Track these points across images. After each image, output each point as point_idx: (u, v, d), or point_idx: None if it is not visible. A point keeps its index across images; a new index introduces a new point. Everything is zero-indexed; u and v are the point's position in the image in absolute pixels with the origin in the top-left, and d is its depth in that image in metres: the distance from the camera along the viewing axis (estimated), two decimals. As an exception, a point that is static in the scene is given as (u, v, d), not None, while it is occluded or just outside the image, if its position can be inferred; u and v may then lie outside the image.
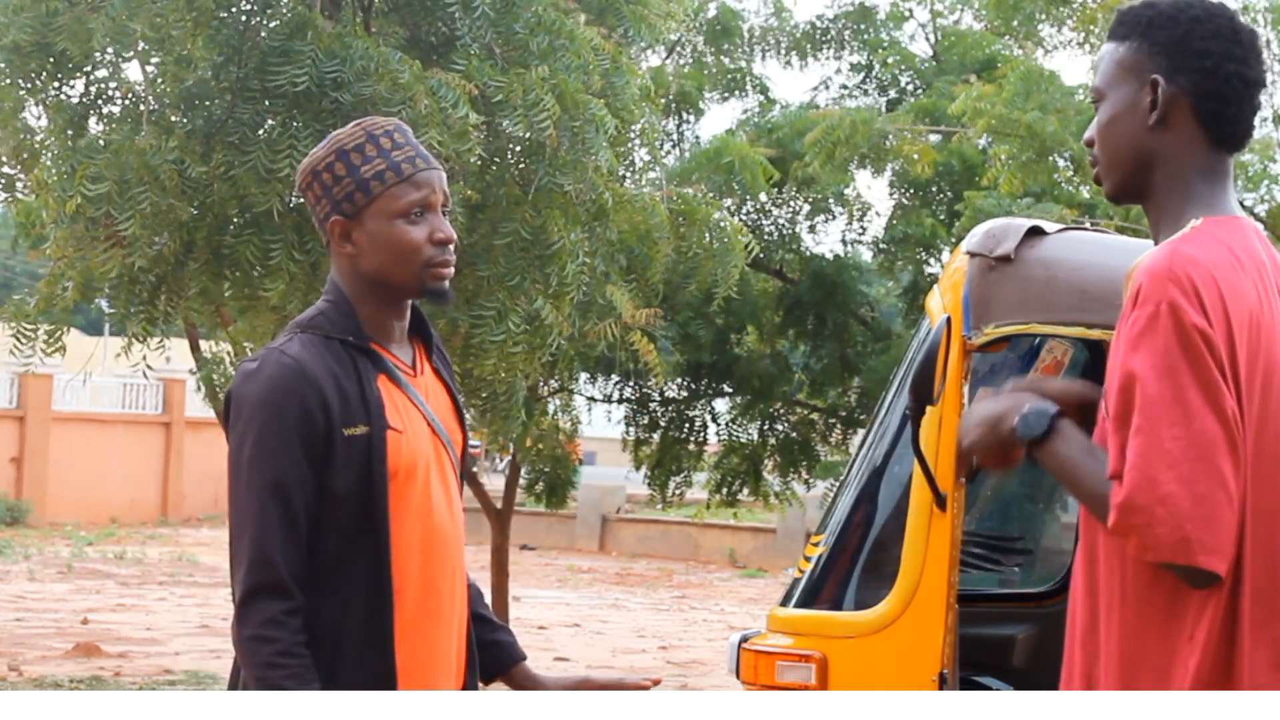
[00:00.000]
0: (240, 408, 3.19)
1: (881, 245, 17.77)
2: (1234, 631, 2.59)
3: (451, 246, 3.30)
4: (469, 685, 3.40)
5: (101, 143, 9.36)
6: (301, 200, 9.41)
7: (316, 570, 3.17)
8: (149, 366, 10.46)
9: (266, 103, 9.40)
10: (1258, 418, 2.62)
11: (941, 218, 16.89)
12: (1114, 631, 2.63)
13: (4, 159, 10.39)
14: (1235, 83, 2.73)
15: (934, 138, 16.54)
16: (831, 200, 17.24)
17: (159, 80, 9.73)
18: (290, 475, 3.13)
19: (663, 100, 14.86)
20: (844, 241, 18.00)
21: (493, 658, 3.50)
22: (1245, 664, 2.59)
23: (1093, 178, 2.89)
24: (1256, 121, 2.86)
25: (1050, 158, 13.82)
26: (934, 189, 17.23)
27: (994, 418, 2.74)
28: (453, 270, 3.33)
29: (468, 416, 3.57)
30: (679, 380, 16.94)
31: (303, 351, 3.20)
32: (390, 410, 3.24)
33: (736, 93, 18.07)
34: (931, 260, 17.48)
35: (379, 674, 3.20)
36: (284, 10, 9.58)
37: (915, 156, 15.38)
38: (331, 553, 3.18)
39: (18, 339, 10.04)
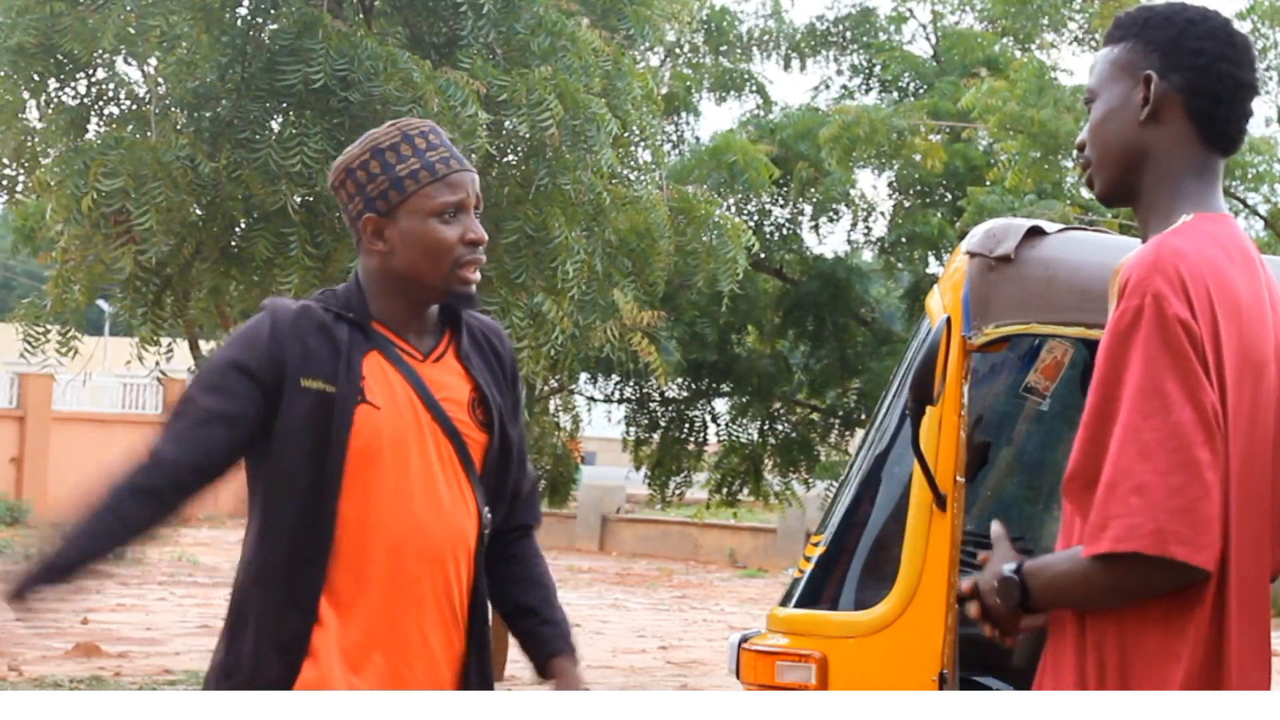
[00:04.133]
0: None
1: (887, 245, 17.76)
2: (1223, 621, 2.60)
3: (481, 248, 3.34)
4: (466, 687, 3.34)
5: (112, 140, 9.37)
6: (312, 197, 9.46)
7: (261, 514, 3.26)
8: (162, 373, 10.46)
9: (268, 104, 9.42)
10: (1248, 410, 2.63)
11: (945, 216, 16.87)
12: (1110, 623, 2.63)
13: (5, 160, 10.39)
14: (1228, 83, 2.75)
15: (939, 137, 16.51)
16: (835, 201, 17.22)
17: (161, 80, 9.74)
18: (218, 406, 3.28)
19: (660, 101, 14.87)
20: (849, 243, 17.98)
21: (534, 651, 3.48)
22: (1234, 654, 2.60)
23: (1084, 180, 2.91)
24: (1259, 121, 2.89)
25: (1058, 155, 13.81)
26: (937, 190, 17.22)
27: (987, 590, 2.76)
28: (479, 273, 3.35)
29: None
30: (679, 380, 16.93)
31: (278, 307, 3.28)
32: (371, 387, 3.24)
33: (734, 94, 18.06)
34: (934, 260, 17.47)
35: (288, 642, 3.20)
36: (288, 10, 9.59)
37: (923, 155, 15.35)
38: (275, 502, 3.25)
39: (29, 342, 10.02)
